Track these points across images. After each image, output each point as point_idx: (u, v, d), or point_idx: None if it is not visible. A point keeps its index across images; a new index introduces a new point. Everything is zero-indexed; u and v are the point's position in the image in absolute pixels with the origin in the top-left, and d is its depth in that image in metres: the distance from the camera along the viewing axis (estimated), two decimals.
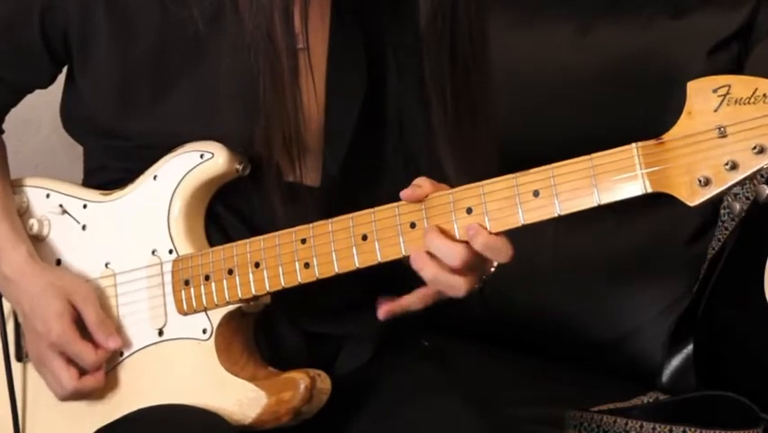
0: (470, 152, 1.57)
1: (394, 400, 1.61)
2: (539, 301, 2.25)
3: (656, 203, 2.23)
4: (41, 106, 1.90)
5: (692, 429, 1.97)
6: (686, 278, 2.18)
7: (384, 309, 1.54)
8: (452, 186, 1.47)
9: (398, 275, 1.56)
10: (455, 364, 1.73)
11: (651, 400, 2.12)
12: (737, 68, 2.18)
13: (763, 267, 1.82)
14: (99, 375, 1.60)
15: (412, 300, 1.52)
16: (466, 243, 1.43)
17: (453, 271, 1.45)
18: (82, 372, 1.60)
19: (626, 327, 2.21)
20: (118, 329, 1.61)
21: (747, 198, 2.11)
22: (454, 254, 1.43)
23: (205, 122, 1.56)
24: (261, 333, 1.60)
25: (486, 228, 1.42)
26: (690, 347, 2.17)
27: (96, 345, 1.59)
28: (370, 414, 1.62)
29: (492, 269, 1.52)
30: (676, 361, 2.18)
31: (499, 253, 1.43)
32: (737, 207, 2.05)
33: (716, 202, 2.18)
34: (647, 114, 2.21)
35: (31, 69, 1.66)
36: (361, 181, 1.61)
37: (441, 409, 1.59)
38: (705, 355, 2.14)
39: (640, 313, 2.20)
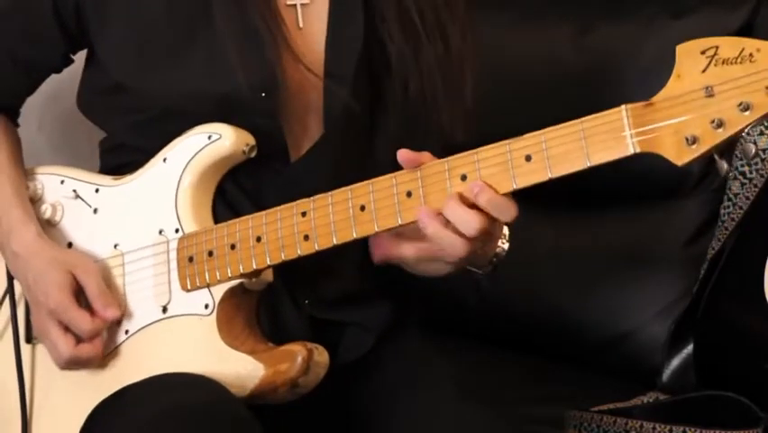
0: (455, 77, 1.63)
1: (392, 394, 1.63)
2: (539, 301, 2.25)
3: (656, 203, 2.25)
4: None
5: (692, 429, 1.96)
6: (686, 278, 2.18)
7: (378, 253, 1.56)
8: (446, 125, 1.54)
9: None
10: (455, 364, 1.73)
11: (651, 400, 2.12)
12: None
13: (763, 267, 1.82)
14: (96, 344, 1.62)
15: (408, 250, 1.54)
16: (484, 213, 1.44)
17: (459, 234, 1.46)
18: (82, 341, 1.62)
19: (626, 327, 2.21)
20: (124, 308, 1.64)
21: (755, 186, 2.11)
22: (471, 222, 1.45)
23: (218, 81, 1.59)
24: (265, 316, 1.62)
25: (490, 187, 1.44)
26: (690, 347, 2.17)
27: (94, 315, 1.62)
28: (368, 405, 1.63)
29: (498, 248, 1.55)
30: (676, 361, 2.18)
31: (503, 212, 1.45)
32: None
33: (716, 201, 2.18)
34: None
35: (45, 47, 1.71)
36: (358, 141, 1.64)
37: (440, 409, 1.60)
38: (705, 355, 2.14)
39: (640, 313, 2.20)
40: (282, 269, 1.60)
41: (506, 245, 1.57)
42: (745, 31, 2.20)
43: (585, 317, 2.22)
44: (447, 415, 1.59)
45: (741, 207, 2.13)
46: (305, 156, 1.63)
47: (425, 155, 1.49)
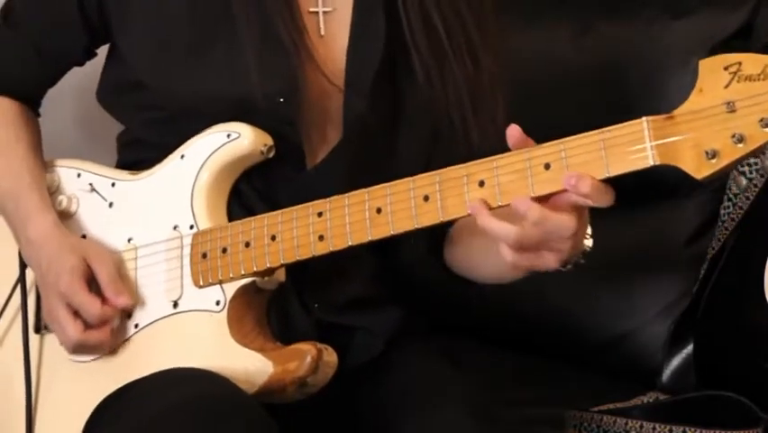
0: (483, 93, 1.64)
1: (396, 398, 1.63)
2: (539, 301, 2.25)
3: (656, 203, 2.25)
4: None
5: (692, 429, 1.97)
6: (686, 278, 2.18)
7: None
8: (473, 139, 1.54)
9: (417, 275, 1.63)
10: (455, 364, 1.73)
11: (651, 400, 2.12)
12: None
13: (763, 267, 1.82)
14: (105, 331, 1.62)
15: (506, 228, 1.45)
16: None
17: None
18: (90, 327, 1.62)
19: (626, 327, 2.21)
20: (136, 302, 1.64)
21: (755, 186, 2.11)
22: (566, 226, 1.42)
23: (237, 83, 1.60)
24: (275, 317, 1.62)
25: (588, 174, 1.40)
26: (690, 347, 2.17)
27: (104, 301, 1.62)
28: (372, 409, 1.63)
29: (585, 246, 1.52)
30: (676, 361, 2.18)
31: (604, 197, 1.41)
32: (743, 182, 2.07)
33: (716, 201, 2.18)
34: (647, 114, 2.21)
35: (68, 40, 1.73)
36: (376, 149, 1.64)
37: (441, 409, 1.60)
38: (705, 355, 2.14)
39: (640, 313, 2.20)
40: (293, 272, 1.60)
41: (590, 241, 1.54)
42: (745, 31, 2.20)
43: (585, 317, 2.22)
44: (447, 415, 1.59)
45: (741, 207, 2.13)
46: (321, 163, 1.63)
47: (530, 141, 1.45)
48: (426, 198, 1.48)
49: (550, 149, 1.43)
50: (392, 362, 1.67)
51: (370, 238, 1.51)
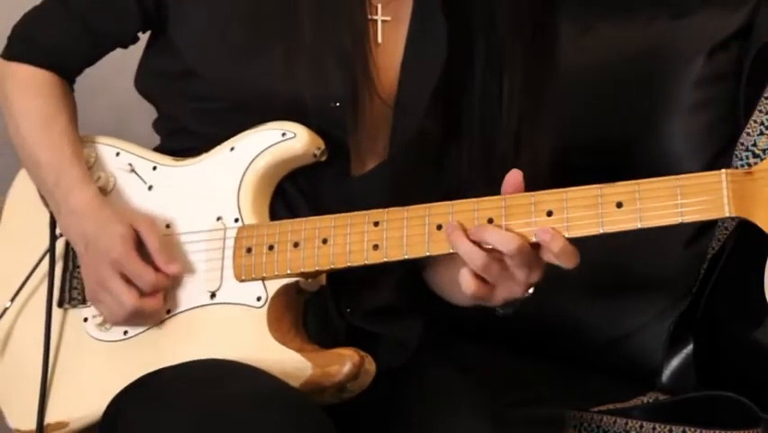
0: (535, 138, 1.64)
1: (411, 403, 1.64)
2: (539, 301, 2.24)
3: None
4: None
5: (692, 429, 1.97)
6: (686, 278, 2.18)
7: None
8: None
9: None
10: (454, 364, 1.73)
11: (651, 401, 2.12)
12: (737, 68, 2.18)
13: (763, 267, 1.82)
14: (159, 298, 1.62)
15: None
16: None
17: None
18: (144, 295, 1.61)
19: (626, 327, 2.21)
20: (171, 287, 1.63)
21: None
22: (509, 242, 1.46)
23: (293, 84, 1.59)
24: (313, 320, 1.62)
25: (561, 234, 1.45)
26: (690, 347, 2.17)
27: (155, 268, 1.61)
28: (388, 415, 1.64)
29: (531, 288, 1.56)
30: (676, 361, 2.18)
31: (570, 259, 1.47)
32: None
33: None
34: (648, 114, 2.21)
35: (119, 21, 1.71)
36: (425, 163, 1.64)
37: (445, 411, 1.60)
38: (705, 355, 2.14)
39: (640, 313, 2.20)
40: (330, 275, 1.60)
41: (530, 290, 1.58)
42: (745, 31, 2.20)
43: (585, 317, 2.22)
44: (446, 416, 1.60)
45: None
46: (367, 174, 1.63)
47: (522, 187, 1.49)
48: (491, 221, 1.48)
49: (624, 188, 1.44)
50: (408, 368, 1.68)
51: (427, 253, 1.51)
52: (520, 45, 1.63)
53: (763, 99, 2.11)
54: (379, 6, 1.64)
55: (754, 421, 1.95)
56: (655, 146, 2.19)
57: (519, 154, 1.63)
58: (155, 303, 1.61)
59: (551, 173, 1.61)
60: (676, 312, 2.17)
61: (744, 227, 2.13)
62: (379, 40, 1.64)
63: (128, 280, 1.61)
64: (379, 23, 1.64)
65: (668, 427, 1.98)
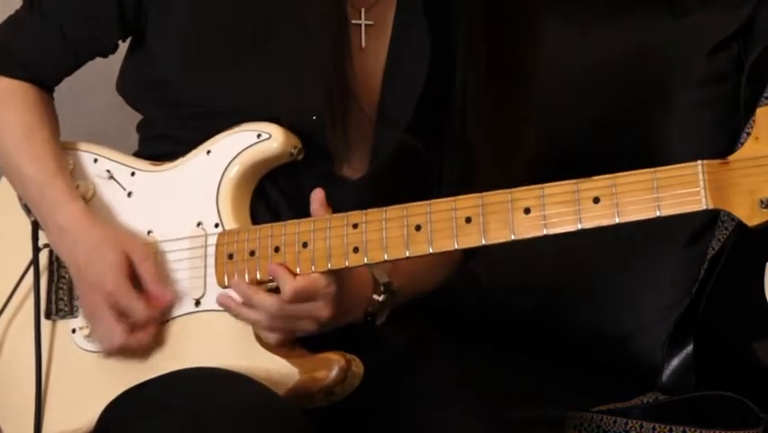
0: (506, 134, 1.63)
1: (407, 401, 1.63)
2: (539, 301, 2.25)
3: None
4: None
5: (692, 429, 1.97)
6: (686, 278, 2.18)
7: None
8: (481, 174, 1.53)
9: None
10: (454, 364, 1.73)
11: (651, 401, 2.12)
12: (737, 68, 2.18)
13: (763, 267, 1.82)
14: (149, 330, 1.61)
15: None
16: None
17: None
18: (132, 326, 1.61)
19: (626, 327, 2.21)
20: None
21: None
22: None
23: (269, 99, 1.60)
24: None
25: (294, 275, 1.51)
26: (690, 347, 2.17)
27: (147, 300, 1.60)
28: (383, 412, 1.64)
29: (374, 301, 1.59)
30: (676, 361, 2.18)
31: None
32: None
33: None
34: (647, 114, 2.21)
35: (97, 31, 1.71)
36: (407, 174, 1.64)
37: (442, 410, 1.60)
38: (705, 355, 2.13)
39: (640, 313, 2.20)
40: None
41: (381, 297, 1.59)
42: (745, 31, 2.20)
43: (585, 317, 2.22)
44: (446, 416, 1.60)
45: None
46: (350, 181, 1.63)
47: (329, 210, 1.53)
48: (469, 220, 1.47)
49: (600, 183, 1.42)
50: (403, 365, 1.67)
51: (407, 255, 1.50)
52: (499, 56, 1.63)
53: (763, 99, 2.11)
54: (363, 10, 1.63)
55: (755, 421, 1.95)
56: (655, 146, 2.19)
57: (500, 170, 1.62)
58: (144, 337, 1.61)
59: (550, 176, 1.60)
60: (676, 312, 2.17)
61: (744, 227, 2.13)
62: (363, 44, 1.63)
63: (120, 314, 1.61)
64: (363, 28, 1.63)
65: (668, 427, 1.98)
